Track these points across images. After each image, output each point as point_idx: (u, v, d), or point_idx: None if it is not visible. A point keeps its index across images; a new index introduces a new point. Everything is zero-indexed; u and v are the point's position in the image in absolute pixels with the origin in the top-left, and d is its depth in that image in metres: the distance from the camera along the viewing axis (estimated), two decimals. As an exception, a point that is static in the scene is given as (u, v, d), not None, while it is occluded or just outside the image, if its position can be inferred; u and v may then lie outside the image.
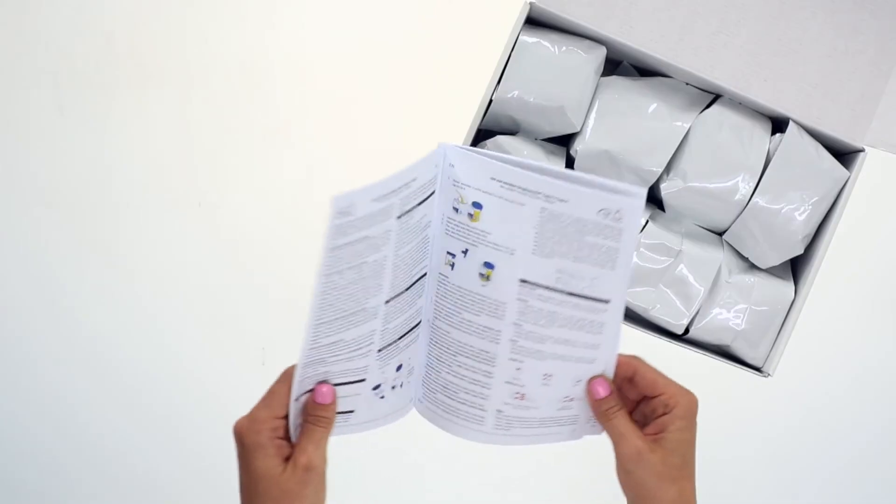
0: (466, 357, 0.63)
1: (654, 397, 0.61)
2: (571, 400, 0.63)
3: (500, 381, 0.63)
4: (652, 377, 0.61)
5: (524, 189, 0.59)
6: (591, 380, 0.62)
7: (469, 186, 0.60)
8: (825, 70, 0.74)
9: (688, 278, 0.74)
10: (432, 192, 0.60)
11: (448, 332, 0.63)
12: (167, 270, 1.21)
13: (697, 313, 0.75)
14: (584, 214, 0.58)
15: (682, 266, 0.74)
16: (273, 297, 1.17)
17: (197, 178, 1.20)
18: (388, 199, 0.57)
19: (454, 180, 0.61)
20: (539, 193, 0.58)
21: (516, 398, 0.63)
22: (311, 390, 0.60)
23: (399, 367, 0.63)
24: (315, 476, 0.58)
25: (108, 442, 1.22)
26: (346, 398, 0.62)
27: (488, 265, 0.61)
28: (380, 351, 0.61)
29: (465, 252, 0.61)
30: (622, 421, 0.60)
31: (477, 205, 0.60)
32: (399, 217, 0.58)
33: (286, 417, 0.59)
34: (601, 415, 0.62)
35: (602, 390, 0.62)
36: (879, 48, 0.74)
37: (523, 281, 0.61)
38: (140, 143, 1.21)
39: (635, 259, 0.74)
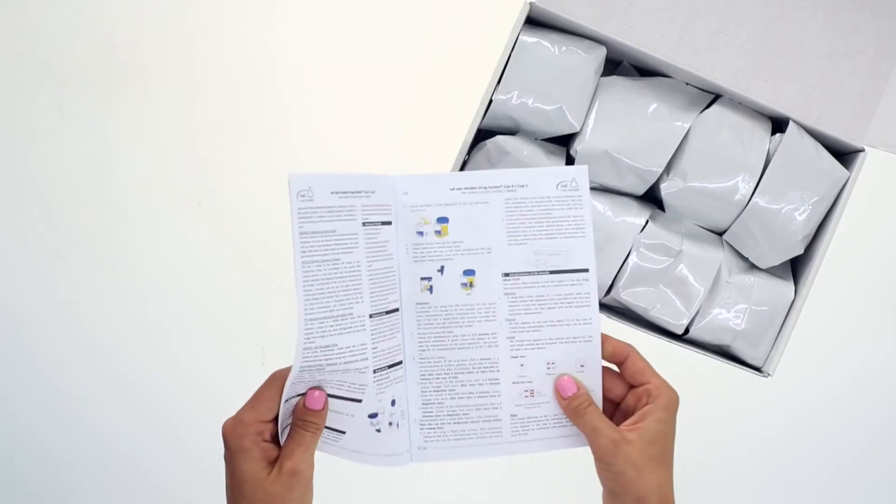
0: (469, 373, 0.64)
1: (639, 386, 0.62)
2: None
3: (508, 383, 0.64)
4: (641, 365, 0.62)
5: (486, 187, 0.63)
6: (559, 378, 0.63)
7: (430, 205, 0.63)
8: (825, 70, 0.74)
9: (688, 278, 0.74)
10: (391, 222, 0.62)
11: (441, 358, 0.63)
12: (167, 270, 1.21)
13: (697, 313, 0.75)
14: (546, 192, 0.63)
15: (682, 266, 0.74)
16: (273, 297, 1.17)
17: (197, 178, 1.20)
18: (347, 198, 0.59)
19: (412, 206, 0.63)
20: (500, 186, 0.63)
21: (526, 396, 0.64)
22: (303, 395, 0.60)
23: (394, 403, 0.63)
24: (301, 481, 0.58)
25: (109, 442, 1.23)
26: (339, 415, 0.61)
27: (468, 272, 0.63)
28: (375, 372, 0.61)
29: (441, 270, 0.63)
30: (594, 416, 0.61)
31: (442, 219, 0.63)
32: (364, 225, 0.60)
33: (273, 421, 0.59)
34: (572, 412, 0.62)
35: (570, 389, 0.63)
36: (879, 48, 0.74)
37: (506, 274, 0.63)
38: (140, 144, 1.21)
39: (635, 259, 0.74)
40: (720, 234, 0.77)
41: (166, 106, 1.20)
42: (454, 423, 0.64)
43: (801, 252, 0.75)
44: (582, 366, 0.63)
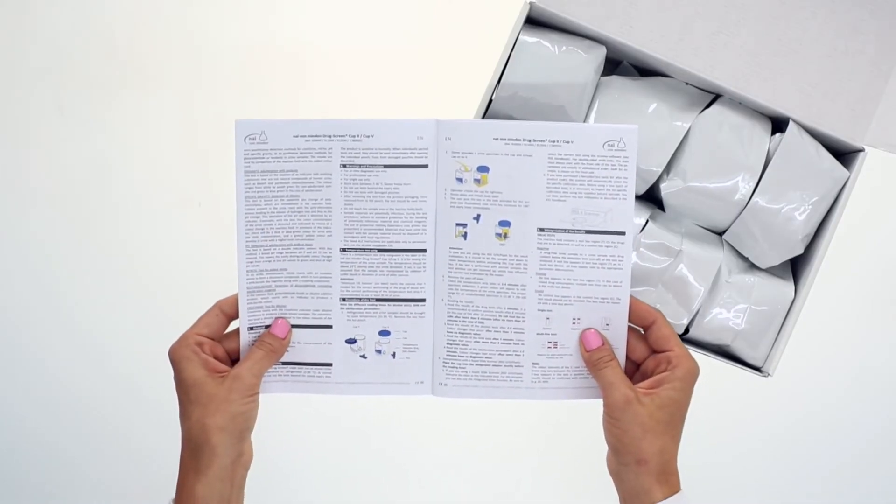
0: (495, 320, 0.65)
1: (661, 352, 0.63)
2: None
3: (532, 334, 0.65)
4: (666, 333, 0.63)
5: (530, 140, 0.63)
6: (585, 331, 0.64)
7: (471, 153, 0.63)
8: (825, 70, 0.74)
9: (688, 278, 0.74)
10: (420, 166, 0.62)
11: (470, 303, 0.64)
12: (167, 270, 1.21)
13: (697, 313, 0.75)
14: (591, 150, 0.62)
15: (682, 266, 0.74)
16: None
17: (197, 178, 1.20)
18: (317, 141, 0.61)
19: (453, 152, 0.63)
20: (545, 140, 0.62)
21: (549, 347, 0.65)
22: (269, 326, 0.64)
23: (385, 333, 0.64)
24: (240, 385, 0.61)
25: (109, 441, 1.23)
26: (315, 345, 0.64)
27: (504, 223, 0.64)
28: (343, 300, 0.63)
29: (477, 218, 0.64)
30: (613, 371, 0.62)
31: (483, 168, 0.63)
32: (344, 167, 0.61)
33: (212, 338, 0.64)
34: (593, 364, 0.64)
35: (594, 342, 0.64)
36: (879, 48, 0.74)
37: (541, 229, 0.63)
38: (140, 143, 1.21)
39: (635, 259, 0.74)
40: (720, 233, 0.77)
41: (166, 105, 1.20)
42: (476, 364, 0.65)
43: (801, 252, 0.75)
44: (607, 324, 0.64)
